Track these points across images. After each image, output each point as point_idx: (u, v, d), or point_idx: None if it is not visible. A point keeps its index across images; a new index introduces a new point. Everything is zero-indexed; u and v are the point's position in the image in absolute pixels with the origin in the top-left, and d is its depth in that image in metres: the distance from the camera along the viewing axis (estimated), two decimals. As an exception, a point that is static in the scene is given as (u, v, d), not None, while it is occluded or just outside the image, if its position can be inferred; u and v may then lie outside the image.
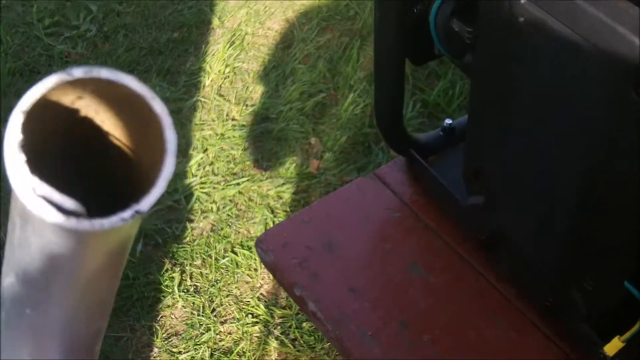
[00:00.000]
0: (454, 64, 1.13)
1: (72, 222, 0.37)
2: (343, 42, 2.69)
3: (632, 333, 0.98)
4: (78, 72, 0.37)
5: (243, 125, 2.52)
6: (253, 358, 2.01)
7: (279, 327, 2.07)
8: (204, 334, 2.06)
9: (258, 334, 2.06)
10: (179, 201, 2.33)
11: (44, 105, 0.38)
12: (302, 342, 2.03)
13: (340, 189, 1.31)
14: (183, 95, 2.60)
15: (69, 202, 0.38)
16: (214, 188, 2.36)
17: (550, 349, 1.10)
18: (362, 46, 2.67)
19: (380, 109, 1.21)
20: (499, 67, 0.97)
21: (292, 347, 2.03)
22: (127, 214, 0.37)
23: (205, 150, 2.45)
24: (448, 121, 1.27)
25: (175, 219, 2.30)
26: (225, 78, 2.65)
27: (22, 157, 0.36)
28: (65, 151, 0.44)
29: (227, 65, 2.67)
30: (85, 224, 0.37)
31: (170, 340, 2.04)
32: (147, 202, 0.38)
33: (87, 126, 0.43)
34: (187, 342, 2.05)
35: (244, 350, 2.03)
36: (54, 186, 0.37)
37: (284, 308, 2.09)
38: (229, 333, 2.07)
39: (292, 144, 2.45)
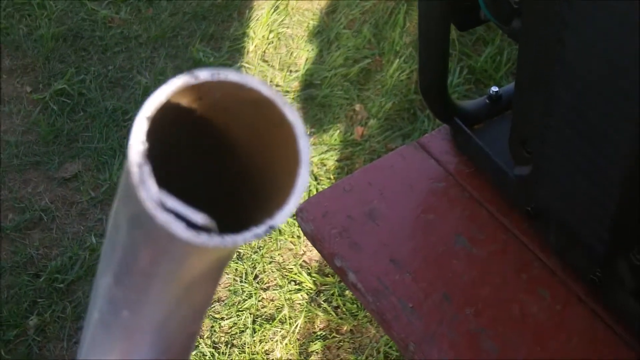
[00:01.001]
0: (500, 29, 1.10)
1: (203, 239, 0.35)
2: (389, 7, 2.65)
3: (682, 309, 0.95)
4: (204, 75, 0.35)
5: (287, 92, 2.50)
6: (295, 325, 2.00)
7: (321, 295, 2.06)
8: (246, 300, 2.06)
9: (300, 301, 2.05)
10: (222, 167, 2.32)
11: (162, 109, 0.36)
12: (344, 310, 2.02)
13: (383, 157, 1.28)
14: (227, 61, 2.58)
15: (197, 216, 0.36)
16: (258, 154, 2.35)
17: (597, 324, 1.07)
18: (409, 11, 2.63)
19: (425, 75, 1.18)
20: (547, 34, 0.94)
21: (334, 315, 2.02)
22: (261, 230, 0.35)
23: (248, 117, 2.44)
24: (494, 89, 1.24)
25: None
26: (269, 44, 2.63)
27: (148, 168, 0.34)
28: (181, 158, 0.42)
29: (271, 31, 2.65)
30: (216, 241, 0.35)
31: (212, 306, 2.04)
32: (281, 217, 0.36)
33: (201, 130, 0.41)
34: (229, 309, 2.05)
35: (286, 317, 2.02)
36: (177, 196, 0.36)
37: (326, 276, 2.08)
38: (272, 300, 2.07)
39: (336, 111, 2.43)
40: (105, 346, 0.50)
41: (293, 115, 0.36)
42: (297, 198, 0.36)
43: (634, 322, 1.02)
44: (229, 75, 0.35)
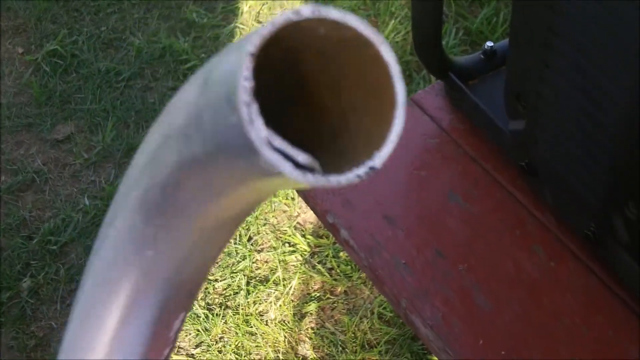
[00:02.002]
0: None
1: (309, 179, 0.34)
2: (384, -32, 2.63)
3: (676, 264, 0.94)
4: (306, 12, 0.34)
5: (281, 53, 2.47)
6: (289, 286, 2.00)
7: (315, 257, 2.05)
8: (240, 262, 2.06)
9: (295, 263, 2.04)
10: (216, 129, 2.31)
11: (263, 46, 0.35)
12: (338, 271, 2.02)
13: (376, 114, 1.27)
14: (221, 21, 2.56)
15: (301, 156, 0.35)
16: (252, 116, 2.33)
17: (591, 279, 1.06)
18: (404, -29, 2.60)
19: (418, 30, 1.16)
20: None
21: (328, 276, 2.01)
22: (361, 171, 0.35)
23: (242, 78, 2.42)
24: (489, 44, 1.22)
25: (212, 147, 2.28)
26: (263, 4, 2.60)
27: (256, 106, 0.33)
28: (273, 96, 0.41)
29: (265, -9, 2.62)
30: (322, 180, 0.35)
31: (206, 268, 2.03)
32: (380, 159, 0.36)
33: (294, 69, 0.40)
34: (223, 270, 2.04)
35: (280, 278, 2.02)
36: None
37: (320, 237, 2.07)
38: (266, 262, 2.06)
39: (331, 72, 2.41)
40: (114, 285, 0.49)
41: (389, 55, 0.35)
42: (394, 140, 0.36)
43: (628, 277, 1.01)
44: (330, 12, 0.34)
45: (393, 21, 2.48)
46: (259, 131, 0.33)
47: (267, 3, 2.60)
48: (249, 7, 2.59)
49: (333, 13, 0.34)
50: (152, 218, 0.46)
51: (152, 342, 0.49)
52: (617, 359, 1.00)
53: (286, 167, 0.33)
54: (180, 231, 0.45)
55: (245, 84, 0.33)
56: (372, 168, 0.35)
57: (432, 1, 1.12)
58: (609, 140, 0.93)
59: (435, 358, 1.84)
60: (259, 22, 2.56)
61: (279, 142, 0.34)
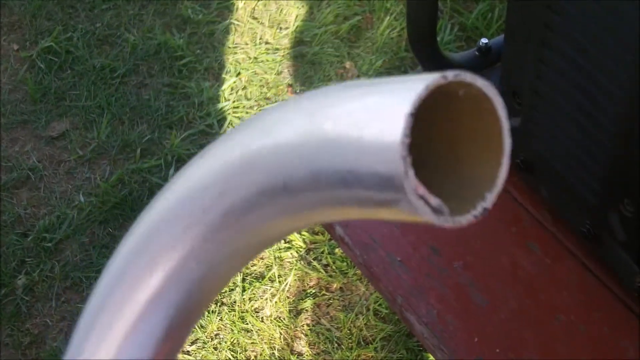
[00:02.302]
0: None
1: (441, 221, 0.39)
2: (380, -36, 2.62)
3: (672, 261, 0.94)
4: (451, 76, 0.38)
5: (277, 49, 2.47)
6: (285, 283, 2.00)
7: (311, 253, 2.05)
8: (235, 259, 2.05)
9: (290, 260, 2.04)
10: (211, 125, 2.30)
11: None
12: (334, 267, 2.02)
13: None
14: (216, 17, 2.55)
15: (435, 200, 0.39)
16: (247, 113, 2.33)
17: (586, 276, 1.06)
18: (400, -33, 2.60)
19: (413, 24, 1.16)
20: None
21: (324, 273, 2.01)
22: (477, 211, 0.39)
23: (238, 74, 2.41)
24: (484, 40, 1.22)
25: (208, 143, 2.27)
26: (258, 0, 2.60)
27: (410, 159, 0.38)
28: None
29: (260, -13, 2.62)
30: (449, 221, 0.39)
31: (201, 265, 2.02)
32: (491, 200, 0.40)
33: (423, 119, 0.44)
34: (218, 267, 2.04)
35: (276, 275, 2.01)
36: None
37: (316, 234, 2.07)
38: (261, 258, 2.06)
39: (327, 68, 2.40)
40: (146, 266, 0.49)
41: (502, 109, 0.40)
42: (502, 183, 0.40)
43: (625, 274, 1.01)
44: (467, 76, 0.38)
45: (388, 17, 2.48)
46: (411, 181, 0.37)
47: (262, -1, 2.60)
48: (244, 3, 2.58)
49: (469, 77, 0.38)
50: (221, 231, 0.47)
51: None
52: (614, 355, 1.00)
53: (427, 212, 0.38)
54: (246, 246, 0.48)
55: (405, 140, 0.37)
56: (485, 209, 0.40)
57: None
58: (606, 137, 0.93)
59: (431, 355, 1.85)
60: (255, 18, 2.55)
61: (422, 190, 0.38)
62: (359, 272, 1.99)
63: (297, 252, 2.05)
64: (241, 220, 0.45)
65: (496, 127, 0.40)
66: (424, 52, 1.18)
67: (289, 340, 1.93)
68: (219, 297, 1.99)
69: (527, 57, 1.01)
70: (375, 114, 0.39)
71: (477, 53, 1.23)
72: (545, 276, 1.06)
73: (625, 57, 0.84)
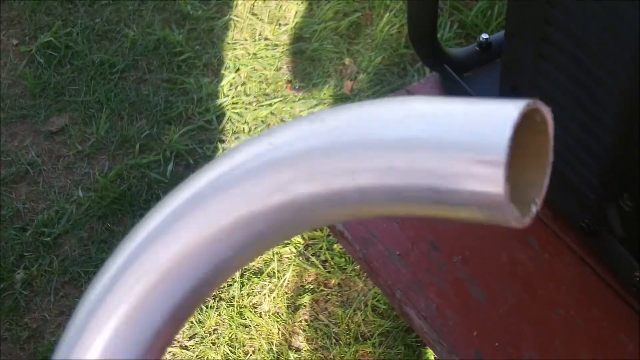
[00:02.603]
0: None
1: (524, 222, 0.42)
2: (379, -40, 2.62)
3: (671, 256, 0.94)
4: (533, 104, 0.43)
5: (276, 45, 2.47)
6: (283, 279, 2.00)
7: (310, 249, 2.05)
8: (234, 254, 2.05)
9: (289, 255, 2.04)
10: (210, 121, 2.30)
11: None
12: (332, 263, 2.02)
13: (371, 106, 1.27)
14: (215, 13, 2.55)
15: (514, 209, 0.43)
16: (246, 109, 2.33)
17: (585, 272, 1.06)
18: (399, -36, 2.60)
19: (413, 19, 1.16)
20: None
21: (322, 269, 2.01)
22: (533, 212, 0.44)
23: (237, 70, 2.41)
24: (484, 36, 1.22)
25: (207, 139, 2.27)
26: (258, -4, 2.60)
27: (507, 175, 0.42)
28: None
29: (260, -17, 2.62)
30: (525, 222, 0.42)
31: (200, 260, 2.02)
32: (540, 203, 0.45)
33: None
34: (217, 263, 2.04)
35: (275, 271, 2.02)
36: None
37: (314, 230, 2.07)
38: (260, 254, 2.06)
39: (326, 65, 2.41)
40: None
41: (552, 127, 0.45)
42: (546, 189, 0.45)
43: (623, 269, 1.01)
44: (541, 105, 0.44)
45: (388, 14, 2.48)
46: (506, 193, 0.41)
47: (261, -5, 2.60)
48: (244, -1, 2.59)
49: (541, 104, 0.44)
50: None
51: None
52: (613, 351, 1.01)
53: (515, 217, 0.41)
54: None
55: (506, 161, 0.41)
56: (537, 210, 0.45)
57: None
58: (605, 133, 0.93)
59: (429, 350, 1.85)
60: (254, 14, 2.55)
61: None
62: (357, 268, 1.99)
63: (295, 248, 2.05)
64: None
65: (545, 143, 0.46)
66: (424, 48, 1.19)
67: (287, 335, 1.93)
68: (217, 292, 1.99)
69: (527, 52, 1.01)
70: (478, 138, 0.42)
71: (477, 49, 1.23)
72: (544, 272, 1.06)
73: (624, 54, 0.85)
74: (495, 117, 0.42)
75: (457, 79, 1.19)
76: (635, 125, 0.89)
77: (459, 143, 0.42)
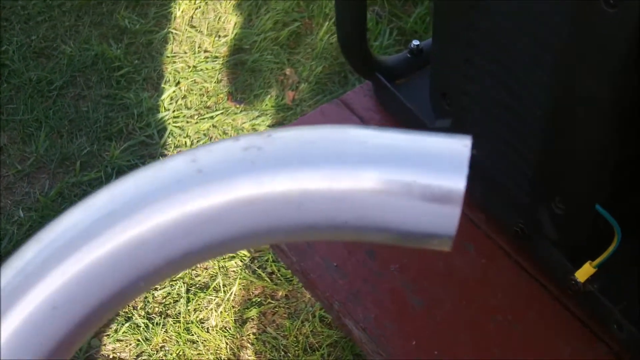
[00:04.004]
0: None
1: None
2: (317, -31, 2.62)
3: (603, 258, 0.94)
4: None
5: (216, 57, 2.45)
6: (230, 293, 1.98)
7: (255, 262, 2.04)
8: (179, 270, 2.03)
9: (235, 269, 2.03)
10: (151, 136, 2.28)
11: None
12: (279, 275, 2.00)
13: (304, 117, 1.26)
14: (153, 27, 2.53)
15: None
16: (187, 122, 2.31)
17: (521, 276, 1.06)
18: (337, -27, 2.60)
19: (342, 27, 1.15)
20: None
21: (269, 281, 2.00)
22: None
23: (177, 84, 2.39)
24: (415, 42, 1.22)
25: (148, 154, 2.25)
26: (196, 8, 2.58)
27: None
28: None
29: (198, -4, 2.60)
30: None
31: (144, 277, 2.00)
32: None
33: None
34: (162, 279, 2.01)
35: (221, 285, 2.00)
36: None
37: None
38: (205, 268, 2.04)
39: (267, 75, 2.39)
40: None
41: None
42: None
43: (558, 272, 1.01)
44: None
45: (327, 23, 2.47)
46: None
47: (200, 7, 2.58)
48: (182, 11, 2.57)
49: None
50: None
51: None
52: (550, 354, 1.00)
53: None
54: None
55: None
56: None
57: (355, 0, 1.11)
58: (533, 136, 0.93)
59: None
60: (193, 26, 2.53)
61: None
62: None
63: (241, 261, 2.03)
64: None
65: None
66: (354, 56, 1.18)
67: (236, 350, 1.91)
68: (163, 308, 1.97)
69: (454, 57, 1.00)
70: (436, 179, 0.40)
71: (409, 55, 1.23)
72: (480, 276, 1.06)
73: (545, 56, 0.85)
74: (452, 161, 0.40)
75: (389, 86, 1.18)
76: (562, 127, 0.89)
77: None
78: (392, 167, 0.39)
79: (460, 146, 0.39)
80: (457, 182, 0.38)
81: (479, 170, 1.06)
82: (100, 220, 0.40)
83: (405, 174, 0.39)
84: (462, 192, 0.38)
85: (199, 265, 2.04)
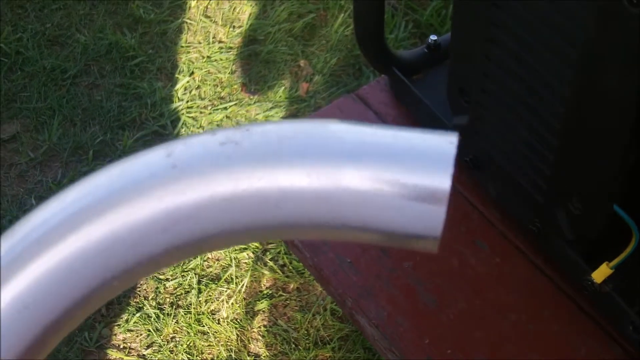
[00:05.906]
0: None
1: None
2: (333, -39, 2.61)
3: (620, 259, 0.93)
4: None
5: (230, 48, 2.45)
6: (241, 284, 1.98)
7: (267, 254, 2.03)
8: (191, 260, 2.03)
9: (246, 261, 2.02)
10: (164, 126, 2.28)
11: None
12: (291, 268, 2.00)
13: (320, 111, 1.25)
14: (168, 17, 2.52)
15: None
16: (201, 113, 2.30)
17: (536, 276, 1.05)
18: (353, -36, 2.58)
19: (360, 23, 1.15)
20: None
21: (281, 273, 1.99)
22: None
23: (191, 74, 2.39)
24: (433, 37, 1.21)
25: (161, 143, 2.24)
26: (211, -1, 2.57)
27: None
28: None
29: (213, -14, 2.59)
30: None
31: (156, 267, 2.00)
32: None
33: None
34: (174, 269, 2.02)
35: (232, 276, 1.99)
36: None
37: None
38: (217, 260, 2.04)
39: (281, 67, 2.39)
40: None
41: None
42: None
43: (572, 272, 1.00)
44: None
45: (342, 15, 2.46)
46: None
47: (215, -3, 2.57)
48: (197, 2, 2.56)
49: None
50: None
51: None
52: (564, 354, 1.00)
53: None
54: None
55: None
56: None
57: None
58: (552, 135, 0.92)
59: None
60: (207, 16, 2.53)
61: None
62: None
63: (253, 253, 2.03)
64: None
65: None
66: (371, 51, 1.17)
67: (246, 341, 1.91)
68: (175, 299, 1.97)
69: (473, 53, 1.00)
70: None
71: (426, 50, 1.22)
72: (494, 275, 1.05)
73: (569, 53, 0.84)
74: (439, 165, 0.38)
75: (406, 81, 1.17)
76: (581, 126, 0.88)
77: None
78: (373, 164, 0.38)
79: (446, 143, 0.37)
80: (442, 181, 0.37)
81: (495, 167, 1.05)
82: (68, 218, 0.39)
83: (387, 172, 0.38)
84: (448, 192, 0.36)
85: (210, 257, 2.03)
